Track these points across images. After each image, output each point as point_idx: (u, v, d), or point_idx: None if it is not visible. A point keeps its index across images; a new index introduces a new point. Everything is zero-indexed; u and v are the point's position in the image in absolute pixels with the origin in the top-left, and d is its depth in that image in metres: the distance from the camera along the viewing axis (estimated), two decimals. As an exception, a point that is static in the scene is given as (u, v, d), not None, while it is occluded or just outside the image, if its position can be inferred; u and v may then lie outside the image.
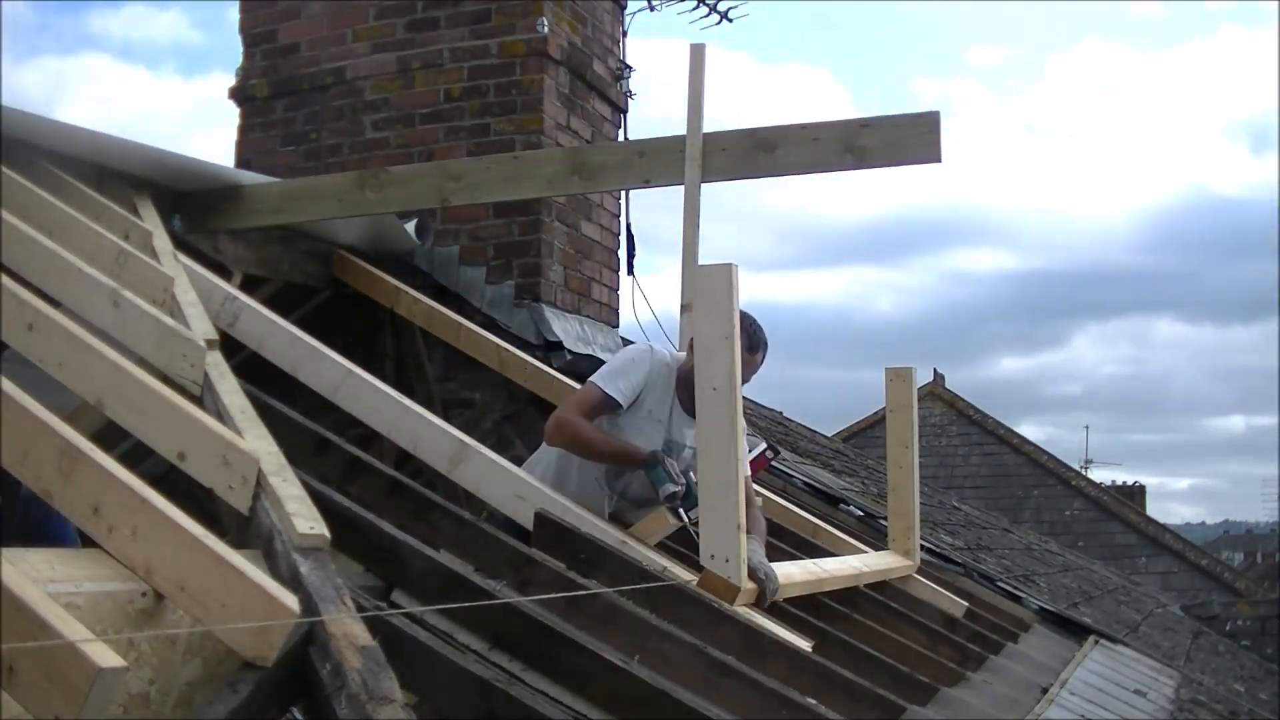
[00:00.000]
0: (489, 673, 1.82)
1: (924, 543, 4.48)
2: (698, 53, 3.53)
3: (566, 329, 4.74)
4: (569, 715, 1.88)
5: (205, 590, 1.55)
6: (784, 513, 4.09)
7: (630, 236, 5.23)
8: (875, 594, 3.62)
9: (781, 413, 8.69)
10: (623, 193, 5.11)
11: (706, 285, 2.65)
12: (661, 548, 3.04)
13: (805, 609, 3.02)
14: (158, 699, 1.52)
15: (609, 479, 3.21)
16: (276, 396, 2.77)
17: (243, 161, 5.01)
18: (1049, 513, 16.28)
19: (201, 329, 2.70)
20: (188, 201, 4.06)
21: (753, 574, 2.69)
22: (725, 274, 2.65)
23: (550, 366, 4.43)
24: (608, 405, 3.13)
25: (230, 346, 2.96)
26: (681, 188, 3.58)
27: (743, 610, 2.59)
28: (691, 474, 3.11)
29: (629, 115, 5.34)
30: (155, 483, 1.72)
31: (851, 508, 5.11)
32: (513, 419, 4.61)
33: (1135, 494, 19.99)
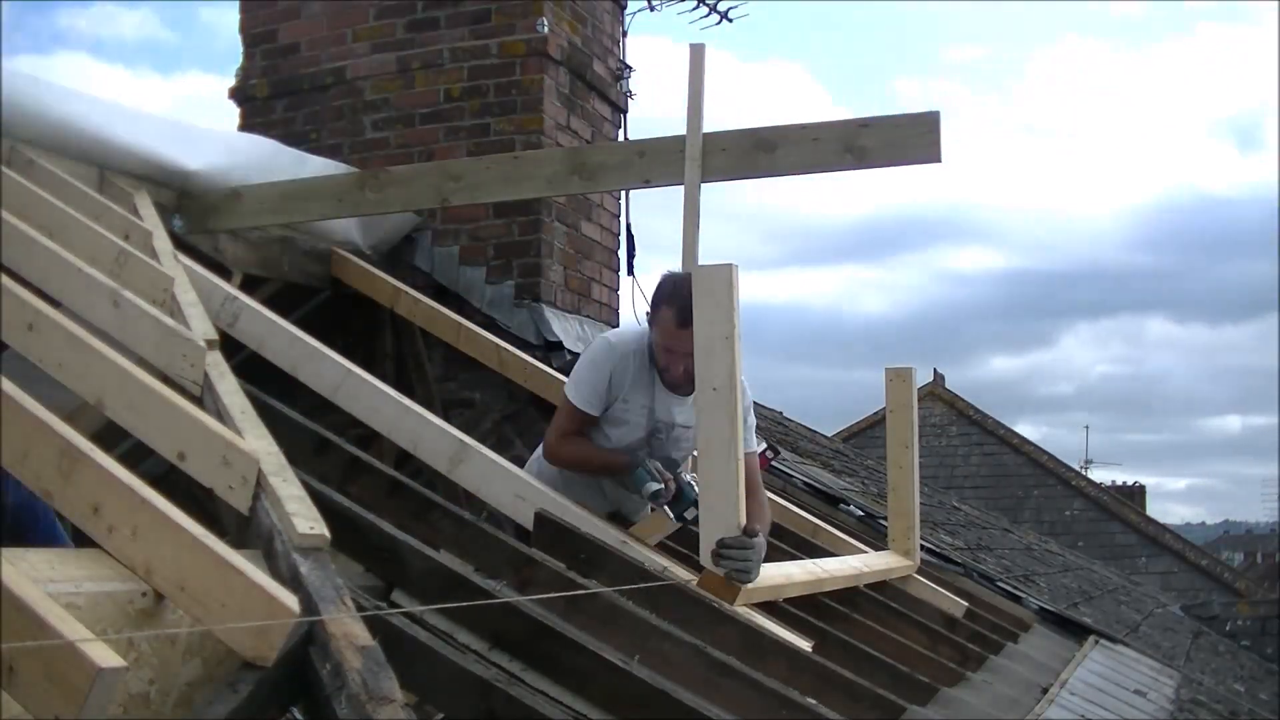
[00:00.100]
0: (489, 673, 1.82)
1: (924, 543, 4.48)
2: (698, 53, 3.53)
3: (566, 329, 4.74)
4: (569, 715, 1.88)
5: (205, 590, 1.55)
6: (784, 513, 4.09)
7: (630, 236, 5.23)
8: (875, 594, 3.62)
9: (781, 413, 8.69)
10: (623, 193, 5.11)
11: (706, 285, 2.65)
12: (661, 548, 3.04)
13: (805, 609, 3.02)
14: (158, 699, 1.52)
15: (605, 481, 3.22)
16: (276, 396, 2.77)
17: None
18: (1049, 513, 16.28)
19: (201, 329, 2.70)
20: (188, 201, 4.06)
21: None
22: (725, 274, 2.65)
23: (550, 366, 4.43)
24: (584, 418, 3.12)
25: (230, 346, 2.96)
26: (680, 188, 3.57)
27: (743, 610, 2.59)
28: (685, 473, 3.11)
29: (629, 115, 5.35)
30: (155, 483, 1.72)
31: (851, 508, 5.11)
32: (513, 419, 4.61)
33: (1135, 494, 19.99)
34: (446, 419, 3.36)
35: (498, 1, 4.81)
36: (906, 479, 4.10)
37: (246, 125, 5.18)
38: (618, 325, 5.32)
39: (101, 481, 1.68)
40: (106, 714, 1.28)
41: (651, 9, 5.54)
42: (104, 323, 2.56)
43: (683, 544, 3.12)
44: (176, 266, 3.18)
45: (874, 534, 4.62)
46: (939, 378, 17.67)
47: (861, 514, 5.05)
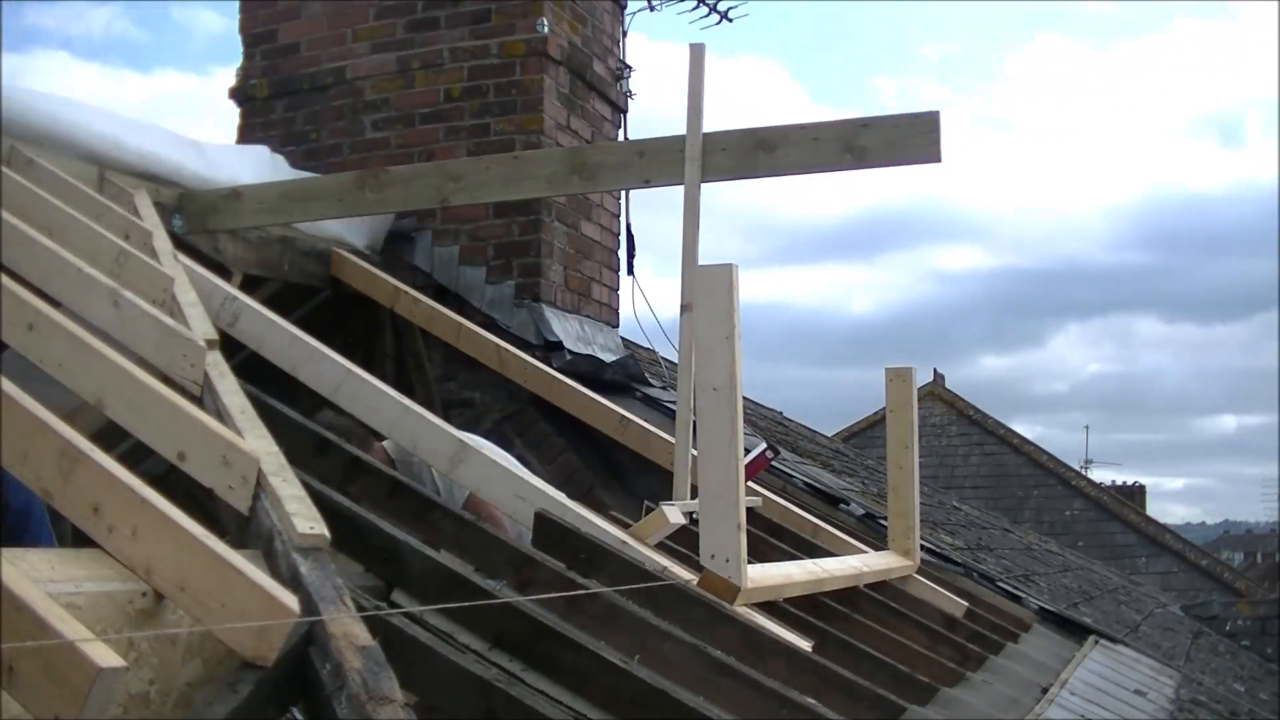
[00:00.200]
0: (489, 673, 1.82)
1: (924, 543, 4.48)
2: (697, 53, 3.52)
3: (566, 329, 4.74)
4: (569, 715, 1.88)
5: (205, 590, 1.55)
6: (784, 513, 4.08)
7: (630, 236, 5.23)
8: (875, 594, 3.62)
9: (781, 413, 8.69)
10: (623, 193, 5.12)
11: (706, 285, 2.65)
12: (661, 548, 3.04)
13: (805, 609, 3.02)
14: (158, 699, 1.52)
15: None
16: (276, 396, 2.77)
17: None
18: (1049, 513, 16.29)
19: (201, 329, 2.70)
20: (188, 202, 4.07)
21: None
22: (725, 274, 2.65)
23: (550, 366, 4.43)
24: None
25: (230, 346, 2.96)
26: (679, 188, 3.57)
27: (743, 610, 2.59)
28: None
29: (629, 115, 5.35)
30: (155, 483, 1.72)
31: (851, 507, 5.11)
32: (513, 419, 4.61)
33: (1135, 494, 19.99)
34: (446, 419, 3.36)
35: (498, 1, 4.81)
36: (906, 479, 4.10)
37: (246, 125, 5.18)
38: (618, 325, 5.32)
39: (101, 481, 1.68)
40: (106, 714, 1.28)
41: (651, 9, 5.55)
42: (104, 323, 2.56)
43: (683, 544, 3.12)
44: (176, 266, 3.18)
45: (874, 534, 4.62)
46: (939, 378, 17.68)
47: (861, 514, 5.05)
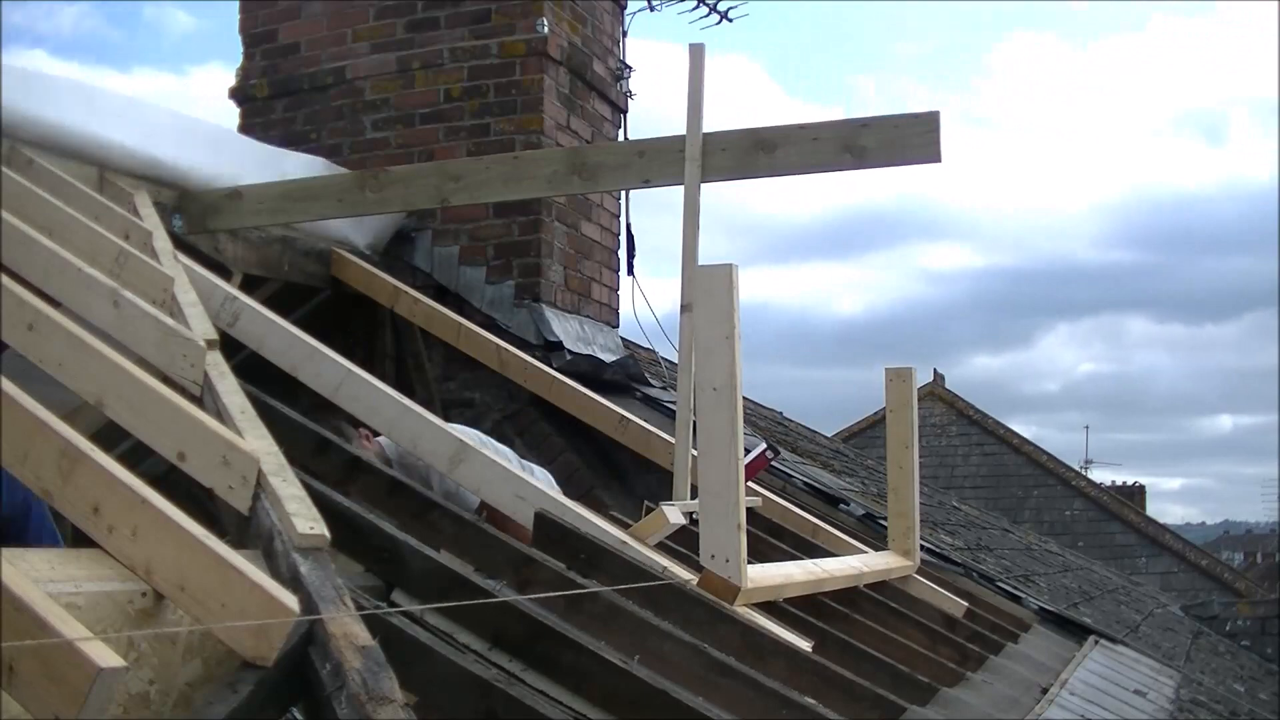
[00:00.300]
0: (489, 673, 1.82)
1: (924, 543, 4.48)
2: (697, 53, 3.52)
3: (566, 329, 4.74)
4: (569, 715, 1.88)
5: (205, 590, 1.55)
6: (784, 513, 4.08)
7: (630, 236, 5.23)
8: (875, 594, 3.62)
9: (781, 413, 8.69)
10: (623, 193, 5.11)
11: (706, 285, 2.65)
12: (661, 548, 3.04)
13: (805, 609, 3.02)
14: (158, 699, 1.52)
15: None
16: (277, 396, 2.77)
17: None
18: (1049, 513, 16.30)
19: (201, 329, 2.70)
20: (188, 202, 4.07)
21: None
22: (725, 274, 2.65)
23: (550, 366, 4.43)
24: None
25: (230, 346, 2.96)
26: (674, 189, 3.57)
27: (743, 610, 2.59)
28: None
29: (629, 115, 5.35)
30: (155, 483, 1.72)
31: (851, 507, 5.11)
32: (513, 419, 4.61)
33: (1135, 494, 20.00)
34: (446, 419, 3.36)
35: (498, 1, 4.81)
36: (906, 479, 4.10)
37: (246, 125, 5.18)
38: (618, 325, 5.32)
39: (101, 481, 1.68)
40: (106, 714, 1.28)
41: (651, 9, 5.55)
42: (104, 323, 2.56)
43: (683, 544, 3.12)
44: (176, 266, 3.18)
45: (874, 534, 4.62)
46: (939, 378, 17.68)
47: (861, 514, 5.05)
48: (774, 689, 2.16)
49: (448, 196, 3.94)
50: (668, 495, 3.40)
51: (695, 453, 2.95)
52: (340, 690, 1.49)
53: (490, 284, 4.78)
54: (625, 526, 3.09)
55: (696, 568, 2.66)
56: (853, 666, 2.62)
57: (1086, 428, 27.30)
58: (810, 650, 2.61)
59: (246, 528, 1.92)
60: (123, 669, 1.31)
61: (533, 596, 2.18)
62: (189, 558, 1.57)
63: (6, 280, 2.30)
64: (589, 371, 4.74)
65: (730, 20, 5.61)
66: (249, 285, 4.08)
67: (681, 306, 3.29)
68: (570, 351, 4.66)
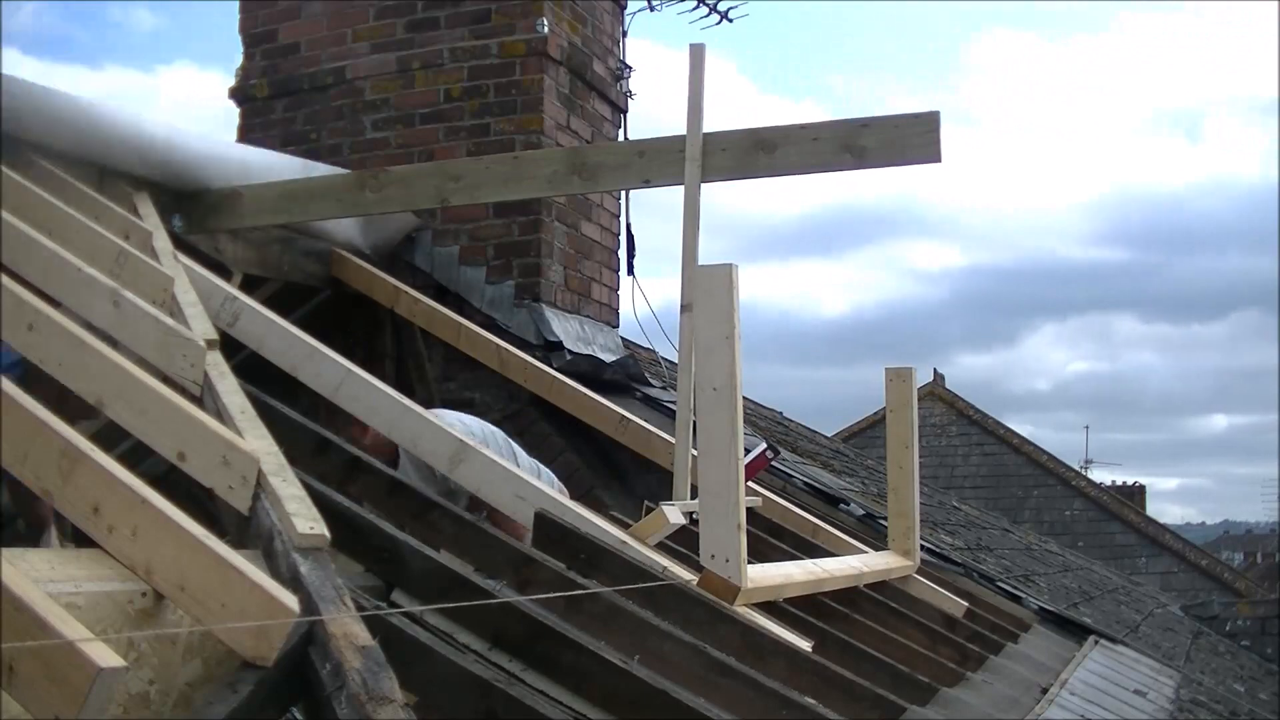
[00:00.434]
0: (489, 673, 1.82)
1: (924, 543, 4.48)
2: (697, 53, 3.52)
3: (566, 329, 4.74)
4: (569, 715, 1.88)
5: (205, 590, 1.55)
6: (784, 513, 4.08)
7: (630, 236, 5.23)
8: (875, 594, 3.62)
9: (781, 413, 8.69)
10: (623, 193, 5.11)
11: (706, 285, 2.65)
12: (661, 548, 3.04)
13: (805, 609, 3.02)
14: (158, 699, 1.52)
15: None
16: (277, 396, 2.77)
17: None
18: (1049, 513, 16.30)
19: (201, 329, 2.70)
20: (188, 201, 4.07)
21: None
22: (725, 274, 2.65)
23: (550, 366, 4.43)
24: None
25: (230, 346, 2.96)
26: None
27: (743, 610, 2.59)
28: None
29: (629, 115, 5.35)
30: (155, 483, 1.72)
31: (851, 508, 5.11)
32: (513, 419, 4.60)
33: (1135, 494, 19.99)
34: (446, 419, 3.36)
35: (498, 1, 4.81)
36: (906, 479, 4.10)
37: (246, 125, 5.18)
38: (618, 325, 5.32)
39: (101, 481, 1.68)
40: (106, 714, 1.28)
41: (651, 9, 5.55)
42: (104, 323, 2.56)
43: (683, 544, 3.12)
44: (176, 266, 3.18)
45: (874, 534, 4.62)
46: (939, 378, 17.68)
47: (861, 514, 5.05)
48: (774, 689, 2.16)
49: (448, 196, 3.94)
50: (668, 495, 3.40)
51: (695, 453, 2.95)
52: (340, 690, 1.49)
53: (490, 284, 4.78)
54: (625, 526, 3.09)
55: (696, 568, 2.66)
56: (853, 666, 2.62)
57: (1086, 428, 27.32)
58: (810, 650, 2.61)
59: (246, 528, 1.92)
60: (123, 669, 1.31)
61: (533, 597, 2.18)
62: (189, 558, 1.57)
63: (6, 280, 2.30)
64: (589, 371, 4.74)
65: (730, 20, 5.62)
66: (249, 285, 4.08)
67: (681, 306, 3.29)
68: (570, 351, 4.66)
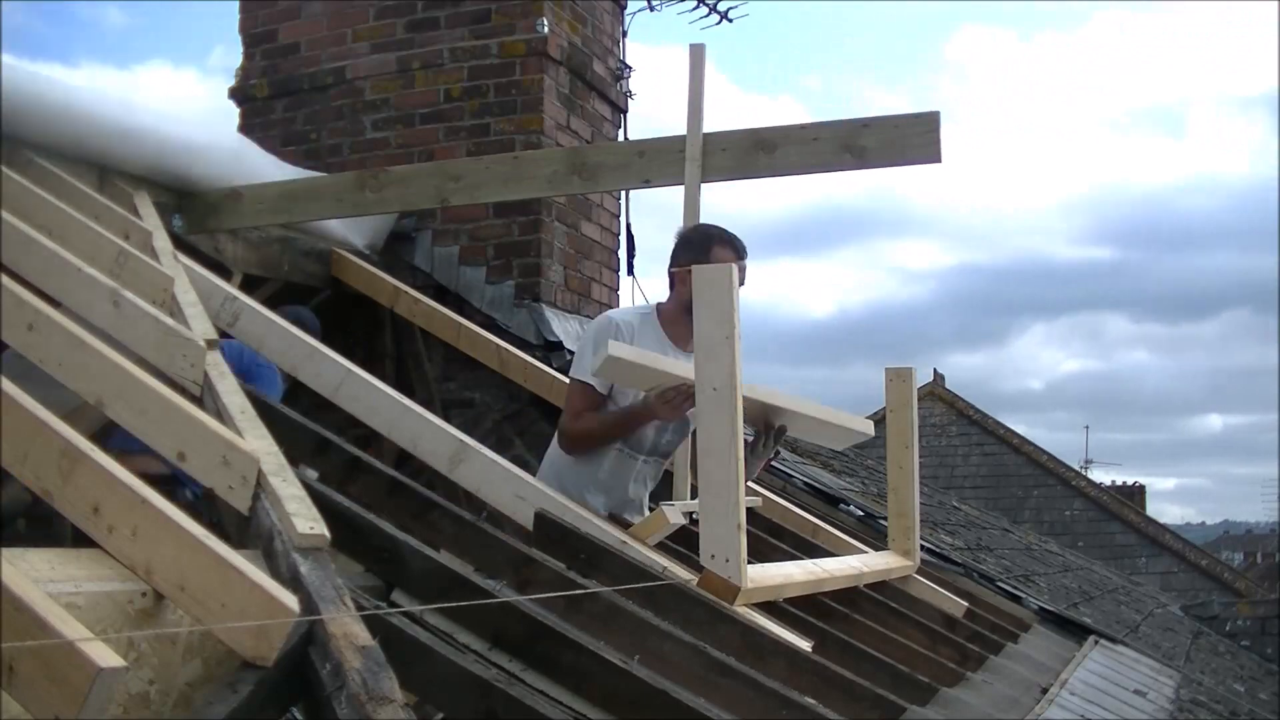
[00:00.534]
0: (489, 673, 1.82)
1: (924, 543, 4.48)
2: (697, 53, 3.52)
3: (566, 329, 4.74)
4: (569, 715, 1.88)
5: (205, 590, 1.55)
6: (784, 513, 4.08)
7: (630, 236, 5.23)
8: (875, 594, 3.62)
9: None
10: (623, 193, 5.11)
11: (706, 285, 2.65)
12: (661, 548, 3.04)
13: (805, 609, 3.02)
14: (158, 699, 1.52)
15: (633, 448, 3.25)
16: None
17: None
18: (1049, 513, 16.29)
19: (201, 329, 2.70)
20: (188, 201, 4.07)
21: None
22: (725, 274, 2.65)
23: (550, 366, 4.43)
24: (596, 396, 3.14)
25: (230, 346, 2.96)
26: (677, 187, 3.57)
27: (743, 610, 2.59)
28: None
29: (629, 115, 5.36)
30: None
31: (851, 508, 5.11)
32: (513, 419, 4.61)
33: (1135, 494, 19.99)
34: (446, 419, 3.36)
35: (498, 1, 4.81)
36: (906, 479, 4.09)
37: (246, 125, 5.18)
38: (618, 325, 5.31)
39: (101, 481, 1.68)
40: (106, 714, 1.28)
41: (651, 9, 5.55)
42: (104, 323, 2.57)
43: (683, 544, 3.12)
44: (176, 266, 3.18)
45: (874, 534, 4.62)
46: (939, 378, 17.67)
47: (861, 514, 5.05)
48: (774, 689, 2.16)
49: (448, 196, 3.94)
50: (668, 495, 3.41)
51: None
52: (340, 690, 1.49)
53: (490, 284, 4.78)
54: (625, 526, 3.09)
55: (696, 568, 2.66)
56: (853, 666, 2.62)
57: (1086, 428, 27.34)
58: (810, 650, 2.61)
59: (246, 528, 1.92)
60: (123, 669, 1.31)
61: (533, 597, 2.18)
62: (189, 558, 1.57)
63: (6, 280, 2.30)
64: (589, 371, 4.73)
65: (730, 20, 5.61)
66: (249, 285, 4.08)
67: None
68: (570, 351, 4.66)
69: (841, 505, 5.10)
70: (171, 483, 2.72)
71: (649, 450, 3.31)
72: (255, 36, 5.19)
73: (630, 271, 5.26)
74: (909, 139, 3.35)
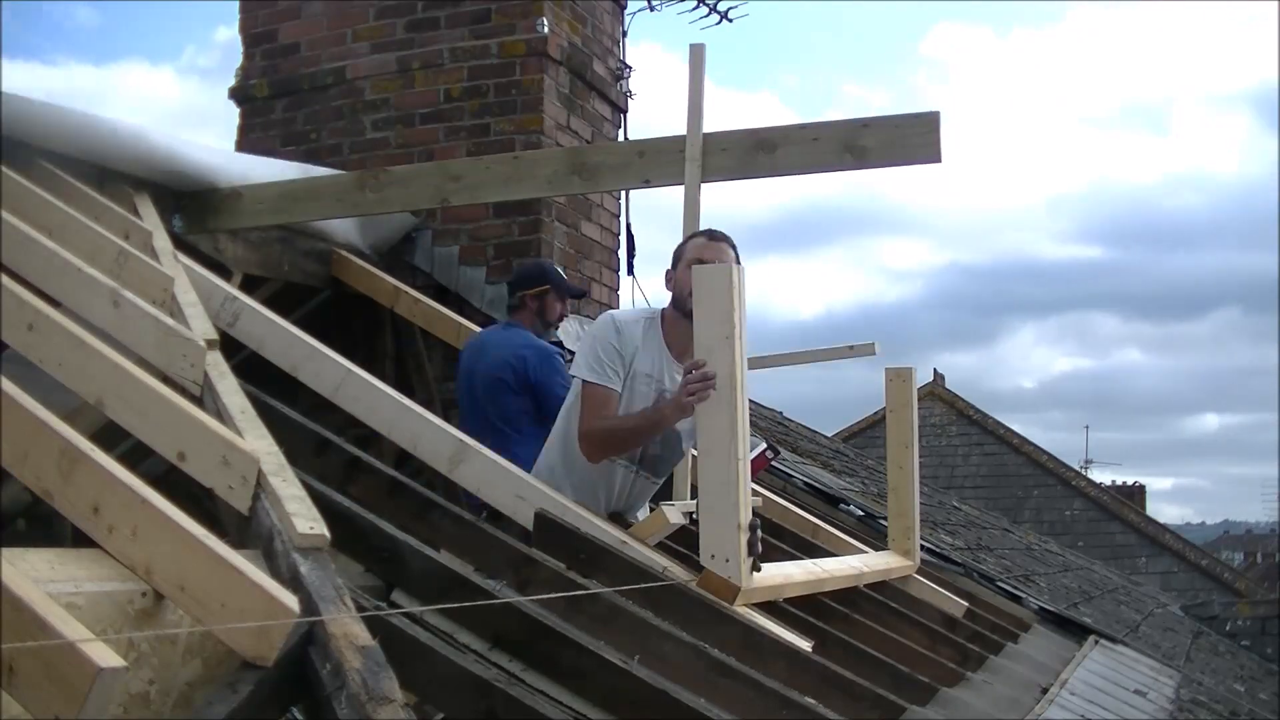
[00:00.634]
0: (489, 673, 1.82)
1: (924, 543, 4.48)
2: (697, 53, 3.52)
3: (566, 329, 4.74)
4: (569, 715, 1.88)
5: (205, 590, 1.55)
6: (784, 513, 4.08)
7: (630, 237, 5.23)
8: (875, 594, 3.62)
9: (781, 413, 8.69)
10: (622, 193, 5.11)
11: (706, 285, 2.65)
12: (661, 548, 3.04)
13: (805, 609, 3.02)
14: (158, 699, 1.52)
15: (630, 460, 3.22)
16: (276, 396, 2.77)
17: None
18: (1049, 513, 16.28)
19: (201, 329, 2.70)
20: (188, 201, 4.07)
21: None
22: (725, 274, 2.65)
23: (550, 366, 4.41)
24: (608, 396, 3.08)
25: (230, 346, 2.96)
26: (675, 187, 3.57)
27: (743, 610, 2.59)
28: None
29: (629, 115, 5.36)
30: (155, 483, 1.72)
31: (851, 508, 5.11)
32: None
33: (1135, 494, 19.98)
34: (446, 419, 3.36)
35: (498, 1, 4.81)
36: (906, 479, 4.09)
37: (246, 126, 5.18)
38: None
39: (101, 481, 1.68)
40: (106, 714, 1.28)
41: (651, 9, 5.55)
42: (104, 323, 2.56)
43: (683, 544, 3.12)
44: (176, 266, 3.18)
45: (874, 534, 4.62)
46: (939, 378, 17.67)
47: (861, 514, 5.05)
48: (774, 689, 2.16)
49: (448, 196, 3.94)
50: (668, 495, 3.40)
51: (695, 453, 2.95)
52: (340, 690, 1.49)
53: (490, 284, 4.78)
54: (625, 526, 3.09)
55: (696, 568, 2.66)
56: (853, 666, 2.62)
57: (1086, 427, 27.36)
58: (810, 650, 2.61)
59: (246, 528, 1.92)
60: (123, 669, 1.31)
61: (533, 597, 2.18)
62: (189, 558, 1.57)
63: (6, 280, 2.30)
64: (589, 371, 4.73)
65: (730, 20, 5.62)
66: (249, 285, 4.08)
67: (682, 306, 3.29)
68: (570, 351, 4.66)
69: (841, 505, 5.10)
70: None
71: (649, 466, 3.28)
72: (255, 36, 5.19)
73: (630, 271, 5.27)
74: (909, 139, 3.35)
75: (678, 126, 3.53)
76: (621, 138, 5.29)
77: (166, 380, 2.38)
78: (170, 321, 2.60)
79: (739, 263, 3.01)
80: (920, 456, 4.28)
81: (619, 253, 5.30)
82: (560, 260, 4.85)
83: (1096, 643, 4.84)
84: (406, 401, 3.11)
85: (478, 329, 4.45)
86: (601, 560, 2.63)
